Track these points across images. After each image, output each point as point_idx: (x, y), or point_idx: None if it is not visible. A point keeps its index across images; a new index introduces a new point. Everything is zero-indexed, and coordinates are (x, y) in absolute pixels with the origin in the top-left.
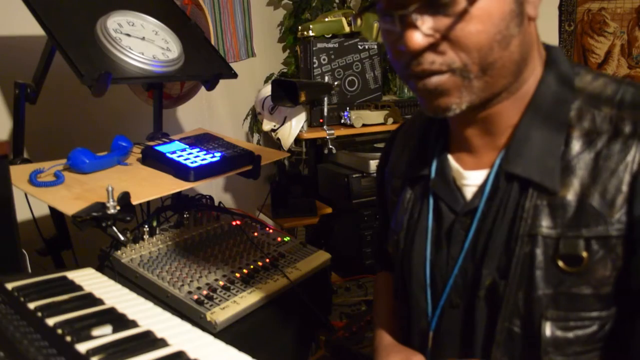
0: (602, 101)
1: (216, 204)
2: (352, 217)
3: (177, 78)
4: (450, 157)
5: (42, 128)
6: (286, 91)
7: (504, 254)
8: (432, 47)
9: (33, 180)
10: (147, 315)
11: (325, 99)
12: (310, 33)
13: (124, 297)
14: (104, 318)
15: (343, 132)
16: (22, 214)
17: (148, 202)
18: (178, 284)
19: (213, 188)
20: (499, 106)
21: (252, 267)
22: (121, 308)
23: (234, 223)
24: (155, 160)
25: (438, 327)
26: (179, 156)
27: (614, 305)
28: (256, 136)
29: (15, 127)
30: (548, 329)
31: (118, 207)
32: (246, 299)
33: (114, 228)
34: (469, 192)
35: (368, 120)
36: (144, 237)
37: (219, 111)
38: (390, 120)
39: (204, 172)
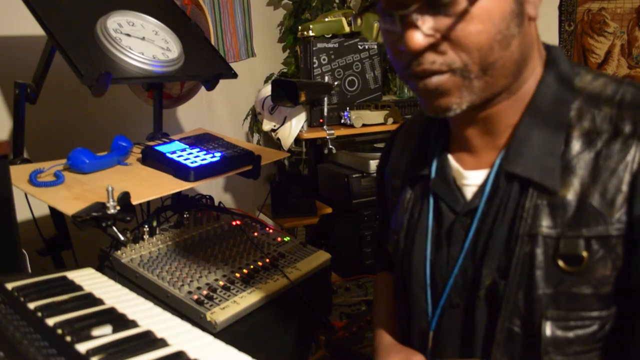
0: (602, 101)
1: (216, 204)
2: (352, 217)
3: (177, 78)
4: (450, 157)
5: (42, 128)
6: (286, 91)
7: (504, 254)
8: (433, 47)
9: (33, 180)
10: (147, 315)
11: (325, 99)
12: (310, 33)
13: (124, 297)
14: (104, 318)
15: (343, 132)
16: (22, 214)
17: (148, 202)
18: (178, 284)
19: (213, 188)
20: (499, 106)
21: (252, 267)
22: (121, 308)
23: (234, 223)
24: (155, 160)
25: (438, 327)
26: (179, 156)
27: (614, 305)
28: (256, 136)
29: (15, 127)
30: (548, 329)
31: (118, 207)
32: (246, 299)
33: (114, 228)
34: (469, 192)
35: (368, 120)
36: (144, 237)
37: (219, 111)
38: (390, 120)
39: (204, 172)
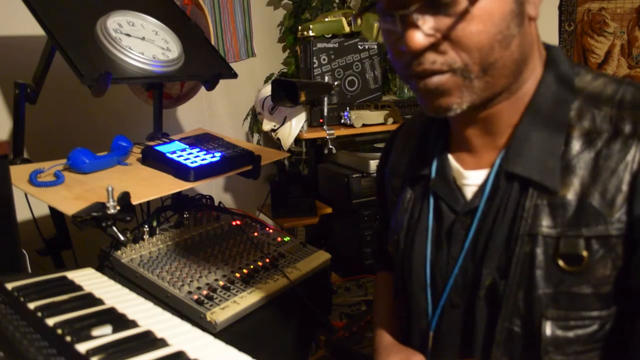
0: (602, 101)
1: (216, 204)
2: (352, 217)
3: (177, 78)
4: (450, 157)
5: (42, 128)
6: (286, 91)
7: (504, 254)
8: (433, 47)
9: (33, 180)
10: (147, 315)
11: (325, 99)
12: (310, 33)
13: (123, 297)
14: (104, 318)
15: (343, 132)
16: (22, 214)
17: (148, 202)
18: (178, 284)
19: (213, 188)
20: (500, 106)
21: (252, 267)
22: (121, 308)
23: (234, 223)
24: (155, 160)
25: (438, 327)
26: (179, 156)
27: (614, 305)
28: (256, 136)
29: (15, 127)
30: (548, 329)
31: (118, 207)
32: (246, 299)
33: (114, 228)
34: (469, 192)
35: (368, 120)
36: (144, 237)
37: (219, 111)
38: (390, 120)
39: (204, 172)
